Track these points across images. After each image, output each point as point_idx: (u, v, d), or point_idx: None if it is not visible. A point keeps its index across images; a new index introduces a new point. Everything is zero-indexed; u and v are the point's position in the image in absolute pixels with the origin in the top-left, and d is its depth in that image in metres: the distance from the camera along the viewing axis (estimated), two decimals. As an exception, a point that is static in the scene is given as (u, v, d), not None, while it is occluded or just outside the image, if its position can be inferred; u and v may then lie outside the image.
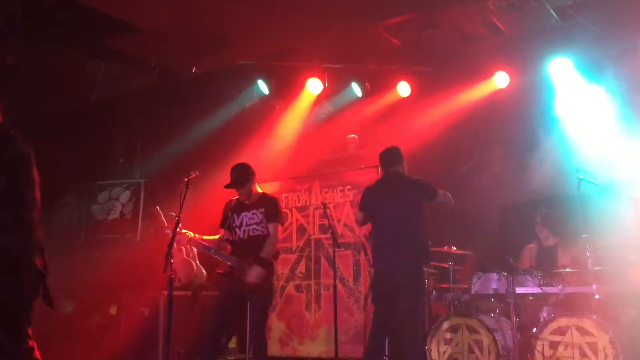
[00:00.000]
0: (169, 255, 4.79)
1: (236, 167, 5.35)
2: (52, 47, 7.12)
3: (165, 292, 6.48)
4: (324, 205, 6.06)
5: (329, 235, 6.23)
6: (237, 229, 5.26)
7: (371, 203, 5.17)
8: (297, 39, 7.34)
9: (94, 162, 8.83)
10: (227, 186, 5.28)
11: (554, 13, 6.57)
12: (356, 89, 7.76)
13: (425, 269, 5.35)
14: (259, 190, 5.39)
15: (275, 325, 7.09)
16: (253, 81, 7.95)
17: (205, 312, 6.26)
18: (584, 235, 5.36)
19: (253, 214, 5.25)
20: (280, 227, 5.33)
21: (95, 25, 6.77)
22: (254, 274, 4.96)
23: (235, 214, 5.30)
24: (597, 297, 5.25)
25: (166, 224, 5.84)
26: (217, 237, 5.36)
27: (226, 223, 5.34)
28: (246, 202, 5.30)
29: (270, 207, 5.26)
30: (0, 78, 6.79)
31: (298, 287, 7.16)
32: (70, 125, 8.52)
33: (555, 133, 6.61)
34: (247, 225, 5.24)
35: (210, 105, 8.02)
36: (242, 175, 5.26)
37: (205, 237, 5.33)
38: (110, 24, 6.80)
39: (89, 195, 8.93)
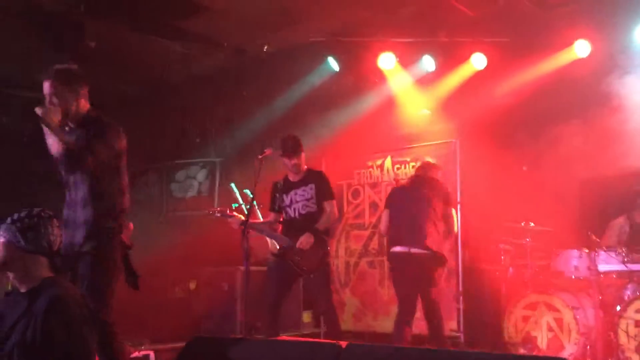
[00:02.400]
0: (244, 238, 4.96)
1: (288, 137, 5.35)
2: (127, 29, 7.33)
3: (242, 267, 6.77)
4: (396, 181, 6.03)
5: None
6: (287, 209, 5.30)
7: None
8: (367, 13, 7.25)
9: (172, 142, 9.13)
10: (283, 154, 5.27)
11: (639, -26, 6.18)
12: (428, 62, 7.59)
13: None
14: (305, 166, 5.38)
15: (349, 301, 7.17)
16: (323, 58, 7.93)
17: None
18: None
19: (303, 190, 5.26)
20: (334, 203, 5.30)
21: (167, 5, 6.95)
22: (303, 241, 5.01)
23: (284, 194, 5.31)
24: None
25: (241, 201, 6.00)
26: (268, 219, 5.45)
27: (275, 204, 5.39)
28: (293, 180, 5.30)
29: (321, 183, 5.26)
30: (81, 61, 7.12)
31: (371, 264, 7.19)
32: (148, 106, 8.84)
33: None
34: (296, 202, 5.26)
35: (282, 83, 8.08)
36: (297, 145, 5.27)
37: (257, 221, 5.45)
38: (182, 5, 6.95)
39: (168, 174, 9.27)
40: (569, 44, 7.00)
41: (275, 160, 5.45)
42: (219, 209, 5.49)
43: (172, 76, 8.55)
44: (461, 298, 6.37)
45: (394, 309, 6.83)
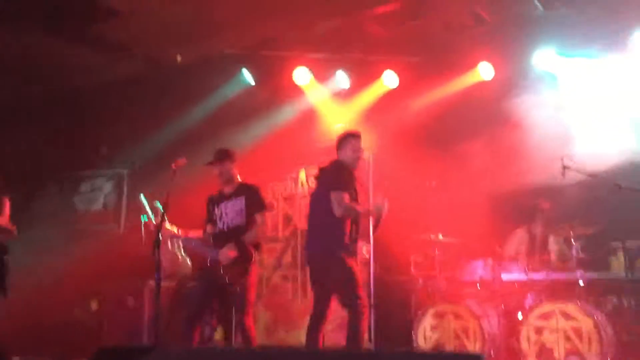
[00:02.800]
0: (156, 245, 4.83)
1: (219, 149, 5.41)
2: (35, 33, 6.98)
3: (152, 282, 6.55)
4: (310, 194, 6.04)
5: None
6: (217, 221, 5.28)
7: None
8: (282, 28, 7.30)
9: (76, 152, 8.71)
10: (208, 163, 5.31)
11: (538, 3, 6.61)
12: (342, 78, 7.75)
13: None
14: (239, 179, 5.40)
15: (262, 315, 7.09)
16: (238, 71, 7.90)
17: (187, 305, 6.24)
18: (570, 223, 5.44)
19: (233, 203, 5.26)
20: (266, 215, 5.32)
21: (77, 10, 6.68)
22: (224, 253, 4.99)
23: (215, 206, 5.31)
24: (581, 283, 5.33)
25: (150, 214, 5.83)
26: (201, 231, 5.39)
27: (209, 217, 5.36)
28: (226, 191, 5.30)
29: (252, 195, 5.26)
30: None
31: (284, 277, 7.16)
32: (52, 113, 8.40)
33: (542, 123, 6.65)
34: (226, 215, 5.25)
35: (195, 94, 7.96)
36: (224, 154, 5.31)
37: (189, 232, 5.36)
38: (93, 10, 6.70)
39: (71, 186, 8.83)
40: (474, 66, 7.39)
41: (186, 175, 5.36)
42: (151, 214, 5.32)
43: (80, 83, 8.19)
44: (372, 310, 6.44)
45: (307, 322, 6.84)
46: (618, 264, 5.77)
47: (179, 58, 7.75)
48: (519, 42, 7.04)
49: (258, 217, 5.22)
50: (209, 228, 5.35)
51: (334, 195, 4.73)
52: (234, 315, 5.10)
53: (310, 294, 6.85)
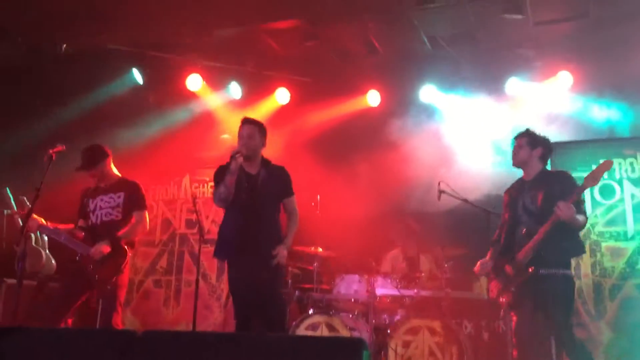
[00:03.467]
0: (22, 240, 4.56)
1: (86, 148, 5.17)
2: None
3: (8, 280, 6.05)
4: (194, 199, 5.95)
5: (195, 230, 6.12)
6: (90, 214, 5.05)
7: None
8: (177, 32, 7.18)
9: None
10: (78, 169, 5.09)
11: (426, 41, 7.06)
12: (234, 90, 7.75)
13: None
14: (117, 173, 5.21)
15: (129, 322, 6.77)
16: (128, 69, 7.65)
17: (50, 302, 5.85)
18: (441, 244, 5.77)
19: (110, 197, 5.06)
20: (145, 214, 5.13)
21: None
22: (97, 249, 4.77)
23: (90, 199, 5.09)
24: (446, 301, 5.64)
25: (15, 208, 5.45)
26: (71, 225, 5.11)
27: (81, 210, 5.11)
28: (103, 185, 5.09)
29: (132, 192, 5.09)
30: None
31: (157, 282, 6.92)
32: None
33: (422, 150, 7.04)
34: (100, 209, 5.04)
35: (79, 88, 7.58)
36: (93, 156, 5.09)
37: (59, 225, 5.06)
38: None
39: None
40: (363, 92, 7.71)
41: (60, 171, 5.08)
42: (17, 209, 4.93)
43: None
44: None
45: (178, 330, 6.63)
46: (479, 287, 6.19)
47: (63, 48, 7.35)
48: (407, 74, 7.47)
49: (136, 215, 5.03)
50: (80, 222, 5.08)
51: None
52: (100, 315, 4.84)
53: (182, 302, 6.72)
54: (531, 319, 4.20)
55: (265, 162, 4.66)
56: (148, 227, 5.20)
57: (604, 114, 6.70)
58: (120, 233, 4.91)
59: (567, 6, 6.31)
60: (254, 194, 4.45)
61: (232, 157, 4.31)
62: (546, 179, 4.45)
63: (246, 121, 4.67)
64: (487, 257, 4.65)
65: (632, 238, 6.18)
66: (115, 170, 5.20)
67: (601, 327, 5.79)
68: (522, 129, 4.69)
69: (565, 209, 4.02)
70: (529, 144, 4.53)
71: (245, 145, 4.47)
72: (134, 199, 5.06)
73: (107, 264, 4.82)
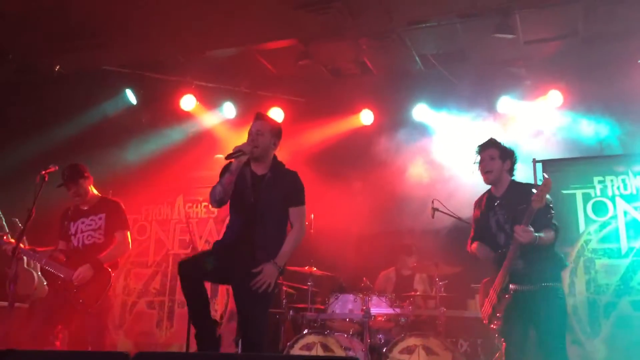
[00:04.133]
0: (14, 263, 4.53)
1: (67, 166, 5.10)
2: None
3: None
4: (187, 219, 5.94)
5: (189, 250, 6.09)
6: (72, 237, 5.00)
7: None
8: (171, 53, 7.22)
9: None
10: (59, 185, 5.01)
11: (418, 60, 7.12)
12: (228, 109, 7.77)
13: None
14: (97, 193, 5.16)
15: (121, 343, 6.70)
16: (121, 89, 7.66)
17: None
18: (436, 263, 5.75)
19: (91, 220, 5.01)
20: (127, 234, 5.04)
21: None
22: (79, 274, 4.71)
23: (71, 222, 5.03)
24: (442, 320, 5.61)
25: (7, 230, 5.43)
26: (52, 248, 5.04)
27: (62, 232, 5.05)
28: (83, 207, 5.04)
29: (113, 212, 5.02)
30: None
31: (150, 304, 6.85)
32: None
33: (416, 169, 7.06)
34: (82, 232, 4.99)
35: (72, 108, 7.59)
36: (74, 173, 5.02)
37: (39, 249, 5.01)
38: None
39: None
40: (356, 111, 7.75)
41: (50, 192, 5.07)
42: (5, 232, 4.90)
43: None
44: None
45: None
46: (474, 305, 6.17)
47: (57, 68, 7.36)
48: (400, 94, 7.52)
49: (118, 235, 4.97)
50: (61, 244, 5.01)
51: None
52: (89, 338, 4.78)
53: (176, 323, 6.66)
54: (522, 345, 4.03)
55: (277, 164, 4.20)
56: (130, 247, 5.10)
57: (593, 130, 6.74)
58: (103, 255, 4.85)
59: (556, 26, 6.40)
60: (257, 195, 4.02)
61: (234, 154, 3.91)
62: (515, 194, 4.13)
63: (258, 117, 4.20)
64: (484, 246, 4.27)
65: (626, 255, 6.18)
66: (95, 192, 5.14)
67: (596, 344, 5.76)
68: (486, 140, 4.33)
69: (523, 234, 3.81)
70: (500, 157, 4.20)
71: (252, 143, 4.04)
72: (115, 219, 5.00)
73: (91, 287, 4.76)
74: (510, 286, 4.01)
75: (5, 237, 5.04)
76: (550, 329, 3.94)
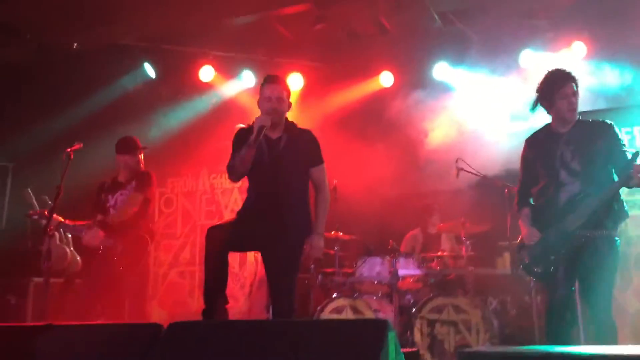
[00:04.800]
0: (47, 239, 4.64)
1: (125, 137, 5.28)
2: None
3: (35, 279, 6.15)
4: (212, 190, 5.99)
5: (215, 220, 6.16)
6: (111, 209, 5.09)
7: None
8: (187, 23, 7.18)
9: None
10: (121, 153, 5.16)
11: (437, 17, 6.97)
12: (247, 78, 7.74)
13: None
14: (141, 167, 5.27)
15: (157, 314, 6.85)
16: (139, 63, 7.67)
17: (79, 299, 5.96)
18: (462, 222, 5.73)
19: (128, 190, 5.12)
20: (140, 198, 5.06)
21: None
22: (89, 237, 4.86)
23: (110, 194, 5.15)
24: (470, 278, 5.62)
25: (38, 208, 5.54)
26: (88, 222, 5.15)
27: (99, 205, 5.15)
28: (121, 180, 5.14)
29: (140, 178, 5.12)
30: None
31: (182, 274, 6.98)
32: None
33: (438, 129, 6.98)
34: (120, 203, 5.10)
35: (92, 85, 7.62)
36: (133, 145, 5.18)
37: (78, 222, 5.12)
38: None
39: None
40: (376, 73, 7.66)
41: (77, 167, 5.16)
42: (39, 209, 5.03)
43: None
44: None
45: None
46: (502, 263, 6.16)
47: (75, 45, 7.39)
48: (419, 53, 7.39)
49: (132, 196, 5.02)
50: (99, 217, 5.12)
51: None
52: (130, 307, 4.91)
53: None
54: (568, 289, 3.83)
55: (290, 125, 4.08)
56: (138, 210, 5.08)
57: (619, 80, 6.56)
58: (109, 217, 4.94)
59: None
60: (276, 159, 3.92)
61: (259, 130, 3.76)
62: (586, 131, 3.87)
63: (274, 80, 4.02)
64: (528, 223, 3.96)
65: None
66: (141, 165, 5.25)
67: (628, 297, 5.73)
68: (565, 71, 3.98)
69: None
70: (577, 91, 3.93)
71: (274, 111, 3.91)
72: (138, 183, 5.11)
73: (129, 255, 4.87)
74: (578, 231, 3.74)
75: (38, 212, 5.14)
76: (603, 282, 3.71)
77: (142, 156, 5.25)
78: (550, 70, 4.05)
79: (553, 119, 4.01)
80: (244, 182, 6.42)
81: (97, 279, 4.92)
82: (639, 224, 5.87)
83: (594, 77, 6.71)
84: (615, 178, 3.80)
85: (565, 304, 3.84)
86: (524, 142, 4.15)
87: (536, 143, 4.05)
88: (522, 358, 2.50)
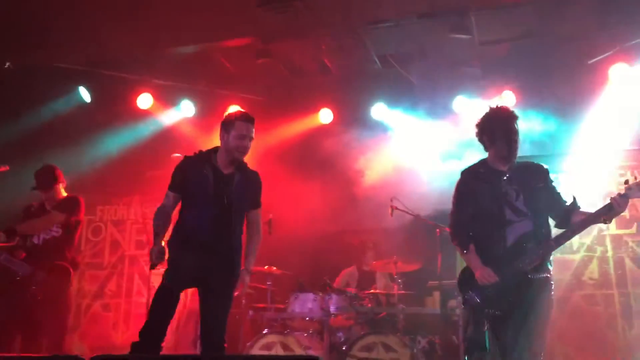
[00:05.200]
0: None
1: (42, 169, 5.14)
2: None
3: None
4: (144, 219, 5.84)
5: (145, 251, 5.98)
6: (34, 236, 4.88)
7: None
8: (127, 50, 7.07)
9: None
10: (34, 188, 5.03)
11: (376, 59, 7.17)
12: (186, 107, 7.66)
13: None
14: (64, 194, 5.15)
15: (76, 347, 6.52)
16: (74, 87, 7.46)
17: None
18: (394, 261, 5.80)
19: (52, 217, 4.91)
20: (58, 217, 4.90)
21: None
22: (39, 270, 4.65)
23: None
24: (401, 317, 5.66)
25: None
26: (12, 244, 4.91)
27: None
28: (48, 207, 5.01)
29: (68, 202, 5.01)
30: None
31: (106, 306, 6.70)
32: None
33: (375, 168, 7.10)
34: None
35: (22, 106, 7.34)
36: (48, 177, 5.06)
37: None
38: None
39: None
40: (315, 110, 7.74)
41: (14, 183, 4.97)
42: None
43: None
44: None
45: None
46: (432, 302, 6.25)
47: (7, 65, 7.11)
48: (358, 93, 7.55)
49: (51, 214, 4.89)
50: (20, 241, 4.89)
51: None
52: (47, 340, 4.65)
53: (132, 325, 6.53)
54: (519, 332, 3.62)
55: (243, 164, 4.19)
56: (60, 237, 4.92)
57: (544, 128, 6.87)
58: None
59: (511, 27, 6.53)
60: (226, 195, 3.96)
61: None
62: (527, 172, 3.86)
63: (251, 119, 4.18)
64: (480, 263, 3.76)
65: (577, 251, 6.37)
66: (63, 193, 5.11)
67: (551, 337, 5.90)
68: (511, 110, 3.95)
69: (624, 204, 3.55)
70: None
71: (245, 150, 4.08)
72: (66, 206, 4.95)
73: (50, 285, 4.67)
74: (531, 274, 3.64)
75: None
76: (543, 325, 3.66)
77: (61, 187, 5.09)
78: (493, 107, 4.01)
79: (492, 156, 3.93)
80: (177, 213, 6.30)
81: (15, 307, 4.66)
82: (562, 267, 6.11)
83: (522, 124, 7.01)
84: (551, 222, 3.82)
85: (518, 345, 3.63)
86: (460, 174, 4.02)
87: (476, 177, 3.93)
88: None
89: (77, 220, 5.02)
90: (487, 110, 4.00)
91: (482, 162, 4.00)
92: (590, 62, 6.62)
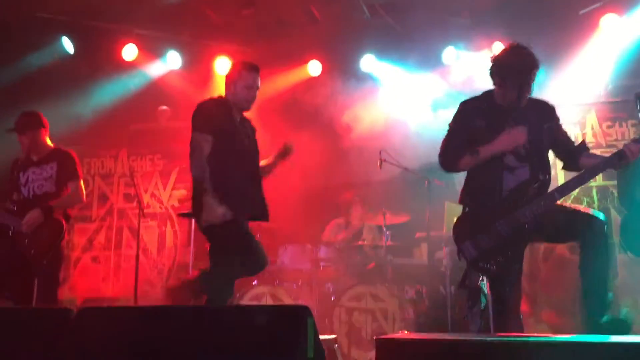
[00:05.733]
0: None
1: (24, 113, 4.90)
2: None
3: None
4: (132, 172, 5.79)
5: (134, 204, 5.98)
6: (22, 188, 4.81)
7: None
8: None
9: None
10: (9, 130, 4.81)
11: (365, 9, 7.03)
12: (172, 58, 7.52)
13: None
14: (50, 144, 4.96)
15: (67, 299, 6.58)
16: (57, 37, 7.28)
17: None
18: (383, 213, 5.84)
19: (42, 169, 4.81)
20: (81, 184, 4.86)
21: None
22: (28, 219, 4.55)
23: (21, 172, 4.84)
24: (390, 268, 5.74)
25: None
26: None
27: (13, 184, 4.87)
28: (34, 158, 4.86)
29: (65, 162, 4.84)
30: None
31: (95, 259, 6.73)
32: None
33: (364, 120, 7.06)
34: (32, 182, 4.79)
35: (3, 58, 7.16)
36: (28, 122, 4.83)
37: None
38: None
39: None
40: (304, 62, 7.63)
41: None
42: None
43: None
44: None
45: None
46: (420, 253, 6.34)
47: (-14, 15, 6.92)
48: (347, 44, 7.43)
49: (71, 185, 4.80)
50: (14, 195, 4.84)
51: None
52: (38, 292, 4.66)
53: (122, 278, 6.58)
54: (519, 285, 3.56)
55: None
56: (85, 198, 4.96)
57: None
58: (54, 202, 4.70)
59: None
60: (253, 143, 4.26)
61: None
62: (535, 111, 3.55)
63: (257, 69, 4.11)
64: (497, 138, 3.43)
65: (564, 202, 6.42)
66: (49, 142, 4.95)
67: (537, 288, 6.02)
68: (534, 57, 3.52)
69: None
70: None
71: (253, 100, 4.10)
72: (67, 169, 4.83)
73: (43, 238, 4.62)
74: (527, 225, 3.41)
75: None
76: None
77: (45, 135, 4.92)
78: (515, 49, 3.56)
79: (499, 94, 3.56)
80: (165, 166, 6.30)
81: (5, 261, 4.64)
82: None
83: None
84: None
85: (516, 299, 3.56)
86: (459, 105, 3.65)
87: (478, 112, 3.56)
88: (435, 344, 2.57)
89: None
90: (509, 50, 3.57)
91: (487, 96, 3.61)
92: (581, 12, 6.54)
